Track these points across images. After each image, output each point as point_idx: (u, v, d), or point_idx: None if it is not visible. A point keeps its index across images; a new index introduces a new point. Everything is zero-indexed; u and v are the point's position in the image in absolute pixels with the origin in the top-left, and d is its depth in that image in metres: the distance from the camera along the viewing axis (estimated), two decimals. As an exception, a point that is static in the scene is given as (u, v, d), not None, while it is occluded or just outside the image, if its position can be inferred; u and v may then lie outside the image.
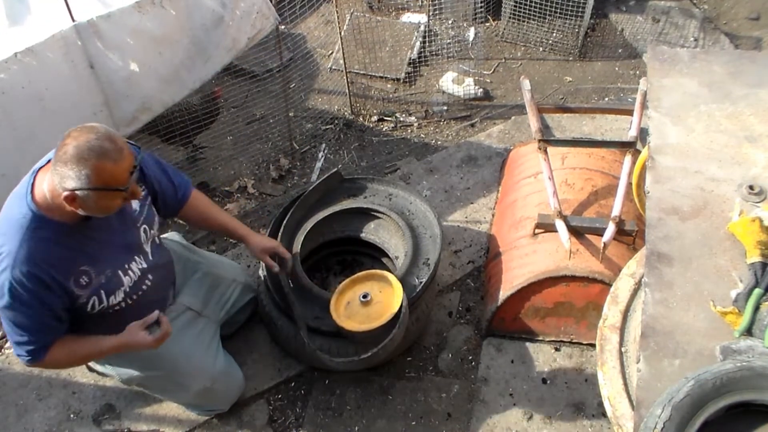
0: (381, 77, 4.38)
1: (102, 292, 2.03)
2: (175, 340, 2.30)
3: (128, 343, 2.10)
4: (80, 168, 1.75)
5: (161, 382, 2.44)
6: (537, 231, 2.78)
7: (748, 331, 1.57)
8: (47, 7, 2.64)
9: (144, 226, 2.18)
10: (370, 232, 2.95)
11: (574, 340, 2.81)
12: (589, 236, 2.70)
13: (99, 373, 2.61)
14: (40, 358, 2.02)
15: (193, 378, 2.43)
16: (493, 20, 4.76)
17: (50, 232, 1.89)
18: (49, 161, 1.90)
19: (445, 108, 4.16)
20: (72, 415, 2.68)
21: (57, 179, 1.79)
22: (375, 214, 2.93)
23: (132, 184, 1.88)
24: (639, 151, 2.79)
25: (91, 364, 2.53)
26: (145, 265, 2.17)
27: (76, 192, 1.78)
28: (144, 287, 2.18)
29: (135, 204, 2.14)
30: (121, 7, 2.67)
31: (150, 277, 2.20)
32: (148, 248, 2.20)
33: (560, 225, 2.66)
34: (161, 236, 2.72)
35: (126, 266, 2.10)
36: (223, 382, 2.53)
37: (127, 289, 2.11)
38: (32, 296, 1.88)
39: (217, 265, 2.72)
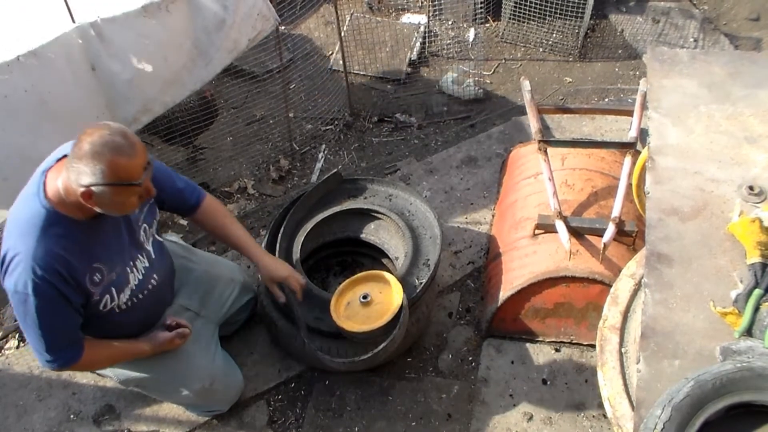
0: (381, 78, 4.38)
1: (113, 289, 2.06)
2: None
3: (153, 341, 2.26)
4: (95, 163, 1.77)
5: (159, 382, 2.44)
6: (537, 232, 2.78)
7: (748, 332, 1.57)
8: (49, 9, 2.64)
9: (144, 225, 2.19)
10: (370, 233, 2.95)
11: (574, 341, 2.81)
12: (589, 237, 2.70)
13: (98, 374, 2.61)
14: (77, 359, 2.05)
15: (192, 378, 2.43)
16: (493, 21, 4.76)
17: (63, 228, 1.90)
18: (57, 161, 1.92)
19: (445, 108, 4.16)
20: (72, 416, 2.68)
21: (73, 176, 1.81)
22: (375, 214, 2.93)
23: (146, 180, 1.89)
24: (639, 152, 2.79)
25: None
26: (148, 264, 2.21)
27: (92, 188, 1.80)
28: (150, 286, 2.22)
29: None
30: (127, 12, 2.66)
31: (155, 276, 2.24)
32: (149, 247, 2.23)
33: (560, 226, 2.66)
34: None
35: (132, 264, 2.14)
36: (222, 381, 2.53)
37: (133, 287, 2.14)
38: (57, 293, 1.89)
39: (215, 265, 2.72)
